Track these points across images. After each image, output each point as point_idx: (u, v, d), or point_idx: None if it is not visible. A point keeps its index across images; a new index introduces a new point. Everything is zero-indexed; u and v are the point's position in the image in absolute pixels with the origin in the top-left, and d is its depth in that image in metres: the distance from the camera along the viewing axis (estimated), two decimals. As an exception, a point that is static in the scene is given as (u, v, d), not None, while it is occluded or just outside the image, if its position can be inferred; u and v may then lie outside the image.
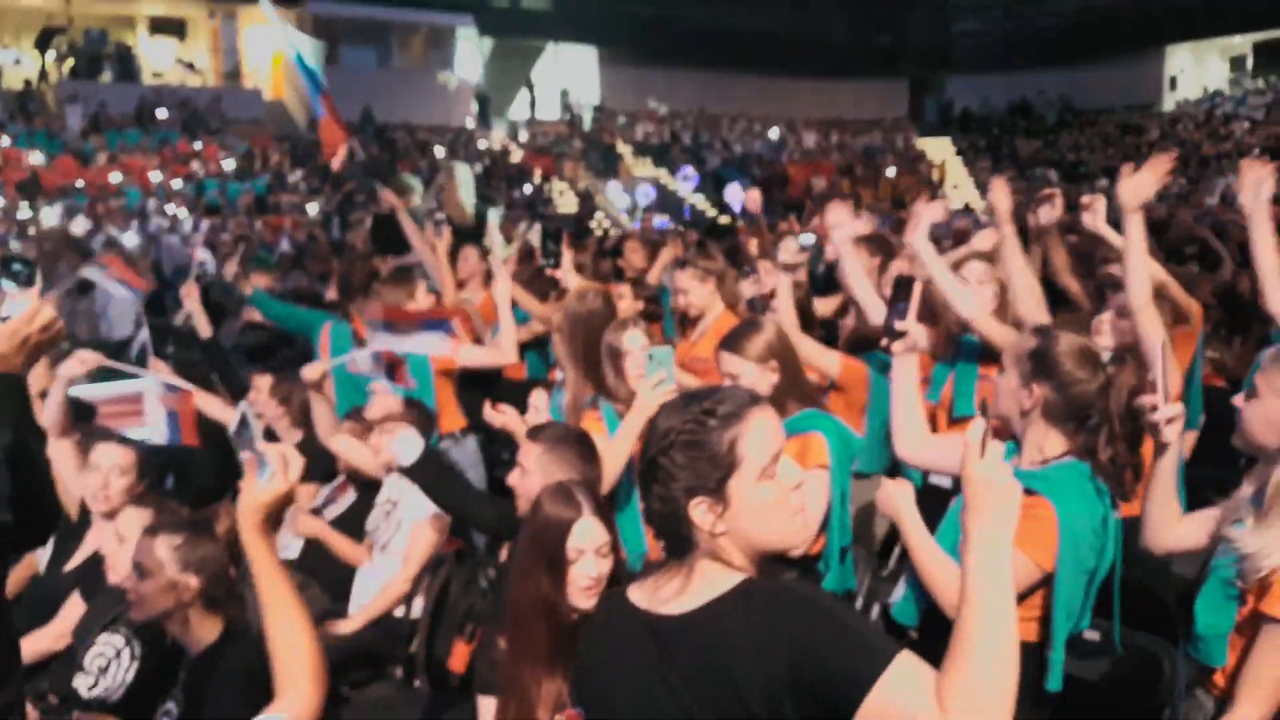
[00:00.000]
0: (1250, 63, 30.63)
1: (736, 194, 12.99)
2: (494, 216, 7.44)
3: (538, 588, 2.23)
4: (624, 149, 26.41)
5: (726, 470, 1.58)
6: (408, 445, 3.07)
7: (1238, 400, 2.32)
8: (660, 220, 16.60)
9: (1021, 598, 2.29)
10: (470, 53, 27.24)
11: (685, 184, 23.91)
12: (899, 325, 2.69)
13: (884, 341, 2.76)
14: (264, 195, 19.39)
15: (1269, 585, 2.04)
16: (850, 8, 32.88)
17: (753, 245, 6.20)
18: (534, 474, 2.76)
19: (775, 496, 1.60)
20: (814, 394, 3.29)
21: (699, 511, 1.58)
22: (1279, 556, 2.04)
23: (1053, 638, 2.33)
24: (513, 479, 2.87)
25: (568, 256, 5.09)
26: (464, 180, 7.47)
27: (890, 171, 26.83)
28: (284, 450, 1.82)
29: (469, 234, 6.87)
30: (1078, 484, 2.35)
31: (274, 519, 1.83)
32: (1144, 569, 2.79)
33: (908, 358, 2.77)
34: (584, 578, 2.26)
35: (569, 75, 28.30)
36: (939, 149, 30.62)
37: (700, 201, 23.96)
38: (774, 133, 28.96)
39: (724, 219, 19.17)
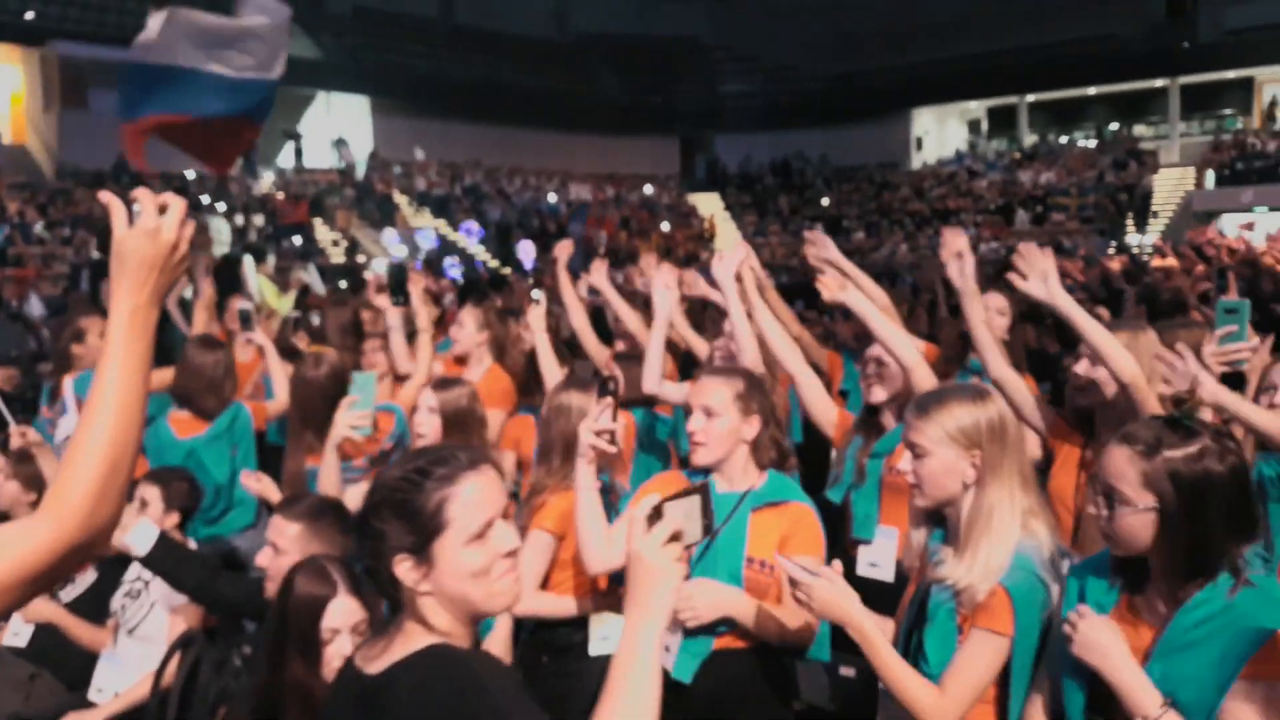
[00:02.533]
0: (985, 126, 33.67)
1: (529, 251, 13.03)
2: (249, 264, 7.12)
3: (289, 670, 2.16)
4: (401, 199, 26.05)
5: (432, 532, 1.56)
6: (141, 534, 2.95)
7: (904, 465, 2.33)
8: (451, 269, 16.53)
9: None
10: (236, 99, 26.23)
11: (469, 238, 23.82)
12: (606, 425, 2.65)
13: (585, 437, 2.68)
14: (3, 247, 17.89)
15: (986, 606, 2.17)
16: (623, 68, 33.91)
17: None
18: (291, 553, 2.63)
19: (483, 562, 1.58)
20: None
21: (403, 569, 1.57)
22: (991, 579, 2.16)
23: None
24: (263, 559, 2.73)
25: (416, 293, 4.87)
26: (218, 234, 7.08)
27: (664, 225, 27.69)
28: (165, 197, 1.51)
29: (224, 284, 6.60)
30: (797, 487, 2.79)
31: (158, 279, 1.47)
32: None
33: (592, 466, 2.73)
34: (339, 658, 2.17)
35: (340, 124, 27.70)
36: (709, 204, 31.96)
37: (483, 254, 23.92)
38: (553, 197, 29.23)
39: (505, 270, 19.20)
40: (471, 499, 1.58)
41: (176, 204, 1.50)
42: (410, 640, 1.57)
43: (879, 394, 3.50)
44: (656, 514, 1.48)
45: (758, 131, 33.88)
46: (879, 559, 3.30)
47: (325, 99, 27.67)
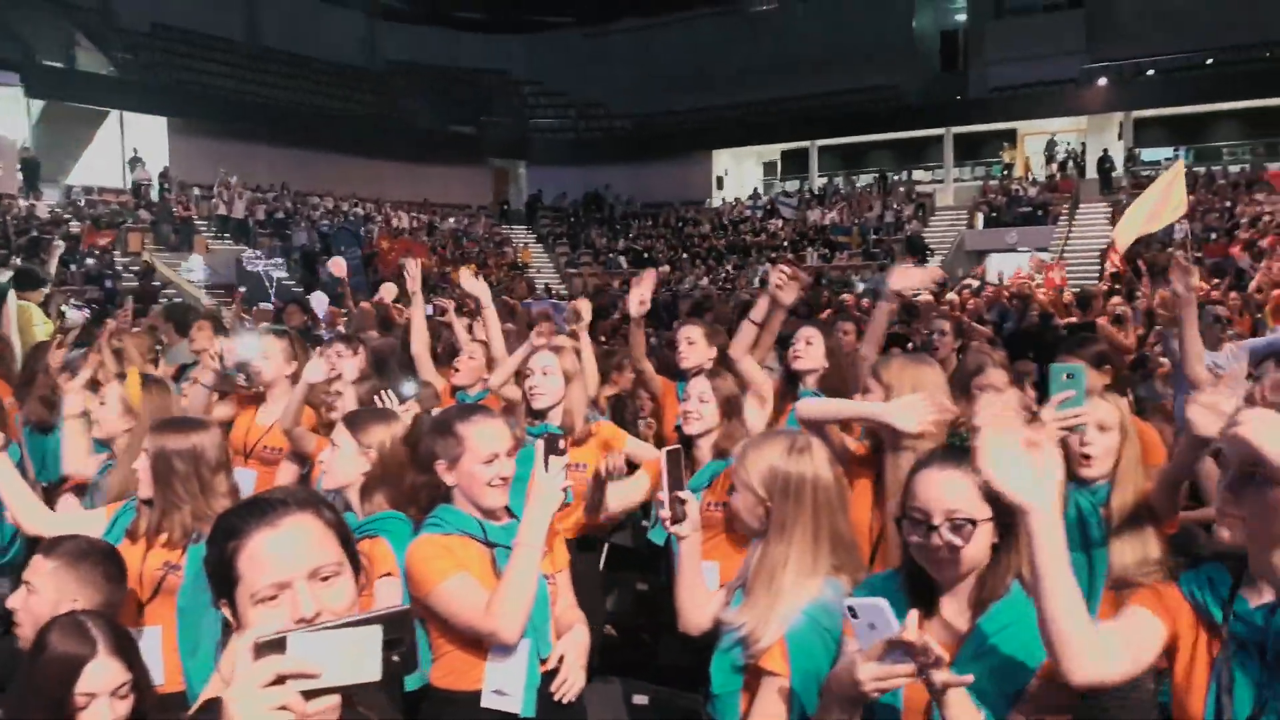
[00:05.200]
0: (780, 167, 35.48)
1: (341, 266, 12.82)
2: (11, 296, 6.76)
3: None
4: (200, 223, 25.11)
5: (230, 585, 1.40)
6: None
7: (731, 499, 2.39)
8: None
9: None
10: (15, 113, 24.59)
11: (258, 261, 23.10)
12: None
13: (552, 495, 2.48)
14: None
15: (767, 651, 2.17)
16: (433, 98, 33.85)
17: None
18: (45, 594, 2.38)
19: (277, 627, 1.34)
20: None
21: (230, 616, 1.43)
22: (770, 636, 2.16)
23: None
24: (14, 601, 2.43)
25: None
26: None
27: (476, 253, 27.80)
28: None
29: None
30: None
31: None
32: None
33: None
34: None
35: (135, 143, 26.41)
36: (521, 235, 32.32)
37: (284, 277, 23.33)
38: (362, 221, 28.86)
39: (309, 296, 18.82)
40: (259, 555, 1.38)
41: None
42: None
43: (695, 427, 3.54)
44: (275, 645, 1.08)
45: (566, 165, 34.52)
46: None
47: (117, 117, 26.39)
